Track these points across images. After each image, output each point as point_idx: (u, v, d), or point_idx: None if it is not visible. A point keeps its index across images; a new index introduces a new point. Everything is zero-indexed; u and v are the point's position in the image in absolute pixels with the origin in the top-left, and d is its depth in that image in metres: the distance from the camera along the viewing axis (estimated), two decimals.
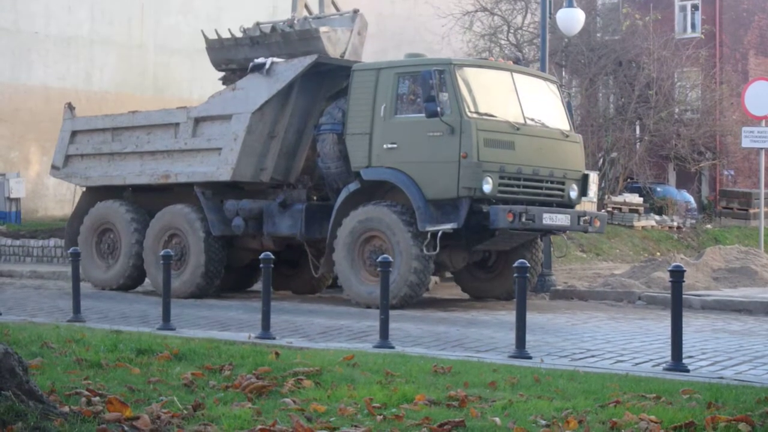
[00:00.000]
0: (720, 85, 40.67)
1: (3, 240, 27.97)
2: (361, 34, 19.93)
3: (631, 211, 32.98)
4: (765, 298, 17.78)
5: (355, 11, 20.09)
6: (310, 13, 21.42)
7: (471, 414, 6.91)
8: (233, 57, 20.34)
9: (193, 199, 19.16)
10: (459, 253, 17.89)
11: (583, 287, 20.28)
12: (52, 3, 35.54)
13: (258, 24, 20.71)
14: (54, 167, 21.43)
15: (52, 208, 34.80)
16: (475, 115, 16.72)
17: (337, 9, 21.39)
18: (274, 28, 19.77)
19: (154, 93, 35.93)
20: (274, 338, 11.86)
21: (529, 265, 12.55)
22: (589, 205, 20.18)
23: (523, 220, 16.54)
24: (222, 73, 20.97)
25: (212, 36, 20.50)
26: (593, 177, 20.97)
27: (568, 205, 17.85)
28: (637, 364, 10.80)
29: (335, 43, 19.26)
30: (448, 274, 20.05)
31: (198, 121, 19.12)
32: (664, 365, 10.20)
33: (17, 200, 32.79)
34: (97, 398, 6.72)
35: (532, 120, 17.51)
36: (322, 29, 19.12)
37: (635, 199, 34.09)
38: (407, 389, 7.73)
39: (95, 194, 20.84)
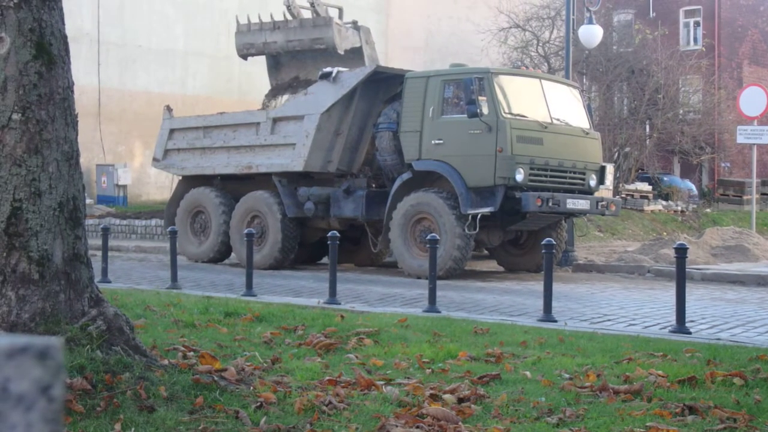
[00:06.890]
0: (718, 90, 40.21)
1: (112, 220, 28.17)
2: (369, 43, 19.76)
3: (642, 197, 32.67)
4: (756, 271, 17.61)
5: (354, 22, 19.92)
6: None
7: (506, 368, 6.91)
8: (254, 41, 20.28)
9: (271, 187, 19.20)
10: (495, 232, 17.84)
11: (601, 262, 20.15)
12: (153, 21, 35.76)
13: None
14: (155, 159, 21.52)
15: (153, 194, 35.05)
16: (509, 116, 16.65)
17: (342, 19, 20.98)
18: (294, 15, 19.64)
19: (239, 97, 36.04)
20: (339, 303, 11.89)
21: (555, 242, 12.49)
22: (606, 192, 20.00)
23: (550, 204, 16.48)
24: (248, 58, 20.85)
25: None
26: (609, 168, 20.81)
27: (588, 192, 17.74)
28: (646, 327, 10.72)
29: (344, 38, 19.10)
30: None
31: (275, 120, 19.14)
32: (669, 328, 10.13)
33: (124, 187, 33.08)
34: (192, 353, 6.78)
35: (558, 120, 17.41)
36: (335, 21, 18.96)
37: (645, 187, 33.79)
38: (452, 347, 7.73)
39: (189, 182, 20.91)
